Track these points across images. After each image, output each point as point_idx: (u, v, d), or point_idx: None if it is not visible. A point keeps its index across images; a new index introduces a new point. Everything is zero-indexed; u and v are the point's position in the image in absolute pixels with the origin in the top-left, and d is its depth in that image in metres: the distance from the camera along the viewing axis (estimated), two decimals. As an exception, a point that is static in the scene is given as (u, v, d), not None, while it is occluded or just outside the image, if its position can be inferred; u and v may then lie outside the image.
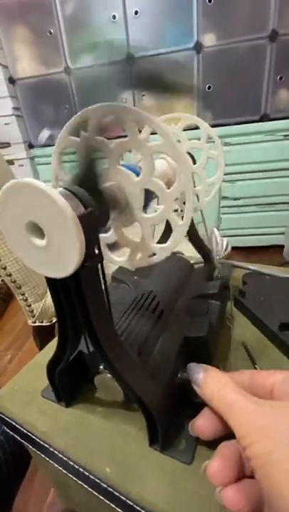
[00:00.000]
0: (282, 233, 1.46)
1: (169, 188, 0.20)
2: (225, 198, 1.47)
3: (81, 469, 0.23)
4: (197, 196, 0.36)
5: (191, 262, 0.44)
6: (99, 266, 0.18)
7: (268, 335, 0.34)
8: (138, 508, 0.21)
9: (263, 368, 0.29)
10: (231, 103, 1.33)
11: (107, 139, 0.20)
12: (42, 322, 0.73)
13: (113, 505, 0.22)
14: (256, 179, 1.40)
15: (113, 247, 0.27)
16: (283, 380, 0.19)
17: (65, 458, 0.24)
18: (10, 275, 0.66)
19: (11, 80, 1.43)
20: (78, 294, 0.17)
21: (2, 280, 0.68)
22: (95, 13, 1.26)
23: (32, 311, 0.71)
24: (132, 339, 0.26)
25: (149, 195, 0.22)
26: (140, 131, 0.19)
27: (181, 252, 0.49)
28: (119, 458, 0.23)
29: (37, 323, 0.73)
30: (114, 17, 1.25)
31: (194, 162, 0.36)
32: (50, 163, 0.24)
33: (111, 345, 0.20)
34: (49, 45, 1.34)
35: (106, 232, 0.25)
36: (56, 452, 0.25)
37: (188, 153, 0.35)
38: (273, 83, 1.27)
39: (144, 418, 0.23)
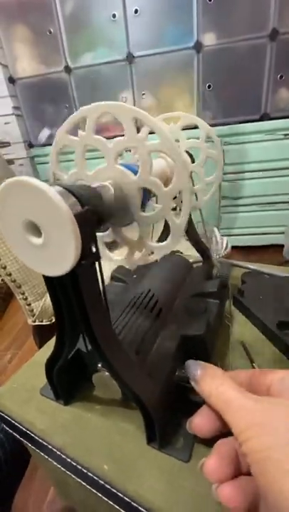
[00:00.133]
0: (282, 232, 1.46)
1: (167, 187, 0.20)
2: (225, 197, 1.47)
3: (79, 467, 0.23)
4: (196, 195, 0.36)
5: (190, 261, 0.44)
6: (96, 264, 0.18)
7: (266, 334, 0.34)
8: (135, 505, 0.21)
9: (261, 367, 0.29)
10: (231, 102, 1.33)
11: (107, 138, 0.20)
12: (42, 321, 0.73)
13: (111, 503, 0.22)
14: (256, 178, 1.40)
15: (112, 245, 0.27)
16: (281, 379, 0.19)
17: (63, 456, 0.24)
18: (10, 274, 0.66)
19: (11, 80, 1.43)
20: (75, 292, 0.18)
21: (2, 280, 0.68)
22: (94, 12, 1.26)
23: (32, 310, 0.72)
24: (130, 338, 0.26)
25: (147, 194, 0.22)
26: (139, 131, 0.19)
27: (180, 251, 0.49)
28: (117, 456, 0.23)
29: (37, 323, 0.73)
30: (114, 16, 1.24)
31: (193, 161, 0.36)
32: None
33: (109, 343, 0.20)
34: (49, 44, 1.34)
35: (104, 230, 0.25)
36: (54, 450, 0.25)
37: (187, 152, 0.35)
38: (273, 82, 1.27)
39: (142, 416, 0.23)
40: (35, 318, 0.72)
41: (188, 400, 0.24)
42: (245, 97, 1.31)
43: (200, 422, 0.21)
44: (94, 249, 0.17)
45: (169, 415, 0.24)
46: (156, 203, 0.21)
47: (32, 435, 0.27)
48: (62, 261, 0.15)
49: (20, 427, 0.27)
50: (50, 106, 1.48)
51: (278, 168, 1.36)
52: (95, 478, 0.23)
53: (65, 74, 1.38)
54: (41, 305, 0.72)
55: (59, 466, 0.25)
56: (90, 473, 0.23)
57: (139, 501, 0.21)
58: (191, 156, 0.36)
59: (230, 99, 1.33)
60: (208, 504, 0.19)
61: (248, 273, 0.44)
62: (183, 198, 0.20)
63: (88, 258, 0.17)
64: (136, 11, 1.22)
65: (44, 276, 0.18)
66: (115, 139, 0.20)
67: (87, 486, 0.24)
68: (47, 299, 0.72)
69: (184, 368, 0.25)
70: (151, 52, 1.28)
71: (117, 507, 0.22)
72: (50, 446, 0.25)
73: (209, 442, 0.21)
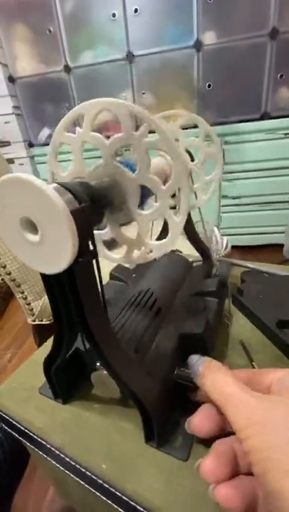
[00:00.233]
0: (283, 232, 1.45)
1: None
2: (225, 196, 1.47)
3: (78, 466, 0.23)
4: (195, 194, 0.36)
5: (190, 260, 0.43)
6: (94, 262, 0.18)
7: (265, 332, 0.34)
8: (134, 504, 0.21)
9: (260, 366, 0.29)
10: (231, 101, 1.32)
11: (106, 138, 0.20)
12: (41, 320, 0.73)
13: (110, 502, 0.22)
14: (256, 178, 1.40)
15: (111, 244, 0.27)
16: (280, 378, 0.19)
17: (61, 454, 0.24)
18: (9, 274, 0.66)
19: (11, 79, 1.43)
20: (73, 290, 0.17)
21: (2, 279, 0.68)
22: (94, 11, 1.25)
23: (31, 309, 0.71)
24: (128, 336, 0.26)
25: (146, 192, 0.22)
26: (138, 130, 0.19)
27: (180, 251, 0.49)
28: (115, 455, 0.23)
29: (36, 322, 0.73)
30: (114, 15, 1.24)
31: (192, 160, 0.36)
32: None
33: (107, 342, 0.20)
34: (49, 43, 1.34)
35: (102, 228, 0.24)
36: (53, 449, 0.25)
37: (187, 151, 0.35)
38: (274, 81, 1.27)
39: (140, 415, 0.23)
40: (35, 318, 0.72)
41: (187, 399, 0.24)
42: (246, 96, 1.31)
43: (199, 422, 0.21)
44: (91, 247, 0.17)
45: (167, 414, 0.24)
46: (156, 201, 0.21)
47: (30, 434, 0.27)
48: (59, 258, 0.15)
49: (19, 426, 0.27)
50: (50, 105, 1.48)
51: (278, 167, 1.36)
52: (94, 477, 0.23)
53: (65, 73, 1.38)
54: (41, 304, 0.72)
55: (58, 465, 0.25)
56: (88, 473, 0.23)
57: (137, 500, 0.21)
58: (190, 154, 0.36)
59: (230, 99, 1.32)
60: (207, 503, 0.19)
61: (247, 272, 0.44)
62: (181, 196, 0.20)
63: (85, 255, 0.16)
64: (136, 10, 1.22)
65: (41, 274, 0.18)
66: (113, 136, 0.19)
67: (86, 486, 0.23)
68: (46, 298, 0.72)
69: (182, 366, 0.25)
70: (151, 51, 1.28)
71: (116, 506, 0.22)
72: (48, 445, 0.25)
73: (208, 441, 0.21)
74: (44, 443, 0.25)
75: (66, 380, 0.27)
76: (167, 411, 0.24)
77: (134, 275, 0.38)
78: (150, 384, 0.23)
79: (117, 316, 0.29)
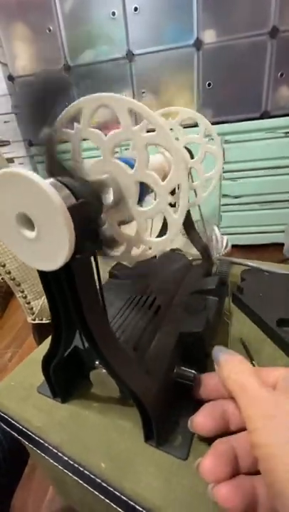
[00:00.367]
0: (283, 231, 1.45)
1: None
2: (225, 195, 1.46)
3: (76, 465, 0.23)
4: (195, 191, 0.36)
5: (190, 258, 0.43)
6: (92, 259, 0.18)
7: (266, 331, 0.33)
8: (132, 503, 0.20)
9: (260, 364, 0.29)
10: (231, 100, 1.32)
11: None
12: (41, 320, 0.73)
13: (108, 501, 0.22)
14: (257, 177, 1.40)
15: (111, 244, 0.27)
16: (285, 377, 0.18)
17: (60, 453, 0.24)
18: (9, 273, 0.66)
19: (11, 78, 1.43)
20: (71, 288, 0.17)
21: (2, 278, 0.68)
22: (94, 10, 1.25)
23: (31, 308, 0.71)
24: (128, 334, 0.26)
25: (144, 189, 0.22)
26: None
27: (180, 249, 0.49)
28: (114, 453, 0.23)
29: (36, 321, 0.73)
30: (113, 14, 1.24)
31: (192, 157, 0.35)
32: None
33: (105, 340, 0.20)
34: (48, 42, 1.33)
35: (101, 226, 0.24)
36: (51, 448, 0.25)
37: (186, 148, 0.35)
38: (274, 80, 1.26)
39: (139, 414, 0.22)
40: (35, 317, 0.72)
41: (187, 398, 0.24)
42: (246, 95, 1.30)
43: (202, 421, 0.21)
44: (89, 244, 0.17)
45: (167, 413, 0.24)
46: (155, 199, 0.21)
47: (29, 433, 0.26)
48: (56, 255, 0.15)
49: (18, 425, 0.27)
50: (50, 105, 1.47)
51: (279, 166, 1.36)
52: (92, 476, 0.22)
53: (65, 72, 1.38)
54: (41, 303, 0.72)
55: (56, 464, 0.25)
56: (86, 471, 0.23)
57: (136, 499, 0.20)
58: (190, 152, 0.35)
59: (230, 97, 1.32)
60: (207, 502, 0.19)
61: (247, 270, 0.44)
62: (180, 192, 0.20)
63: (83, 252, 0.16)
64: (135, 9, 1.22)
65: (39, 271, 0.17)
66: (111, 132, 0.19)
67: (84, 485, 0.23)
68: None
69: (182, 365, 0.25)
70: (151, 50, 1.28)
71: (115, 505, 0.22)
72: (46, 444, 0.25)
73: (208, 440, 0.21)
74: (42, 442, 0.25)
75: (65, 379, 0.27)
76: (167, 410, 0.24)
77: (133, 273, 0.38)
78: (149, 383, 0.22)
79: (116, 314, 0.29)
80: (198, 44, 1.24)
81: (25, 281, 0.68)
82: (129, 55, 1.30)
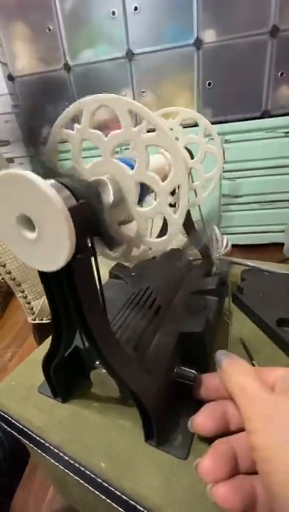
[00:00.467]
0: (283, 231, 1.45)
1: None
2: (225, 195, 1.46)
3: (77, 464, 0.23)
4: (195, 192, 0.36)
5: (190, 258, 0.43)
6: (92, 260, 0.18)
7: (266, 331, 0.33)
8: (133, 503, 0.21)
9: (260, 364, 0.29)
10: (232, 100, 1.32)
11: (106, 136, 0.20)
12: (42, 319, 0.73)
13: (108, 501, 0.22)
14: (257, 176, 1.40)
15: (112, 244, 0.27)
16: (284, 377, 0.19)
17: (60, 453, 0.24)
18: (9, 273, 0.66)
19: (10, 78, 1.43)
20: (71, 288, 0.17)
21: (2, 278, 0.68)
22: (94, 10, 1.25)
23: (32, 308, 0.71)
24: (128, 334, 0.26)
25: (144, 190, 0.22)
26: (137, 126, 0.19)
27: (180, 249, 0.49)
28: (114, 453, 0.23)
29: (37, 321, 0.73)
30: (113, 13, 1.24)
31: (192, 157, 0.35)
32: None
33: (105, 340, 0.20)
34: (48, 42, 1.33)
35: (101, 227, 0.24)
36: (52, 447, 0.25)
37: (186, 148, 0.35)
38: (274, 79, 1.26)
39: (140, 413, 0.22)
40: (35, 317, 0.72)
41: (187, 397, 0.24)
42: (246, 95, 1.30)
43: (203, 421, 0.21)
44: (90, 244, 0.17)
45: (167, 412, 0.24)
46: (155, 199, 0.21)
47: (29, 433, 0.26)
48: (57, 256, 0.15)
49: (18, 425, 0.27)
50: (50, 104, 1.48)
51: (279, 166, 1.36)
52: (92, 476, 0.22)
53: (65, 72, 1.38)
54: (41, 303, 0.72)
55: (57, 464, 0.25)
56: (87, 471, 0.23)
57: (136, 499, 0.21)
58: (190, 152, 0.35)
59: (230, 97, 1.32)
60: (207, 502, 0.19)
61: (247, 270, 0.44)
62: (180, 192, 0.20)
63: (84, 253, 0.16)
64: (135, 8, 1.22)
65: (39, 271, 0.18)
66: (111, 133, 0.19)
67: (85, 484, 0.23)
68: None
69: (182, 365, 0.25)
70: (151, 49, 1.28)
71: (115, 505, 0.22)
72: (47, 444, 0.25)
73: (208, 440, 0.21)
74: (43, 441, 0.25)
75: (65, 379, 0.27)
76: (167, 409, 0.24)
77: (133, 273, 0.38)
78: (149, 382, 0.23)
79: (116, 314, 0.29)
80: (198, 43, 1.24)
81: (25, 281, 0.68)
82: (129, 55, 1.30)
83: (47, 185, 0.14)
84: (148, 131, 0.19)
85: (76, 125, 0.20)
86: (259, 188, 1.42)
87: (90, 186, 0.18)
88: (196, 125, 0.34)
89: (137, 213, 0.21)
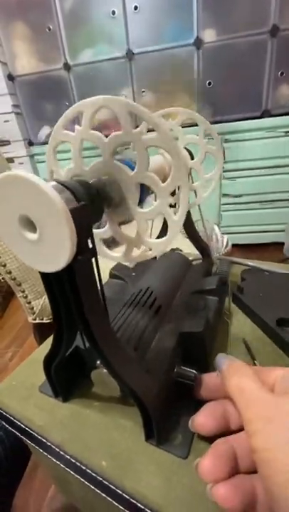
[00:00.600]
0: (283, 230, 1.45)
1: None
2: (225, 195, 1.46)
3: (78, 463, 0.23)
4: (195, 192, 0.36)
5: (190, 258, 0.43)
6: (93, 260, 0.18)
7: (266, 331, 0.34)
8: (134, 501, 0.21)
9: (261, 364, 0.29)
10: (232, 99, 1.32)
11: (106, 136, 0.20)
12: (42, 319, 0.73)
13: (109, 499, 0.22)
14: (257, 176, 1.40)
15: (111, 243, 0.27)
16: (283, 376, 0.19)
17: (61, 452, 0.24)
18: (10, 272, 0.66)
19: (10, 77, 1.43)
20: (72, 289, 0.17)
21: (3, 278, 0.68)
22: (94, 9, 1.25)
23: (32, 308, 0.72)
24: (128, 334, 0.26)
25: (145, 190, 0.22)
26: (137, 127, 0.19)
27: (180, 249, 0.49)
28: (115, 452, 0.23)
29: (37, 321, 0.73)
30: (113, 13, 1.24)
31: (192, 158, 0.35)
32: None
33: (106, 340, 0.20)
34: (48, 41, 1.33)
35: (102, 227, 0.24)
36: (53, 446, 0.25)
37: (186, 149, 0.35)
38: (274, 79, 1.26)
39: (140, 413, 0.23)
40: (36, 316, 0.72)
41: (188, 397, 0.24)
42: (246, 94, 1.30)
43: (203, 420, 0.21)
44: (90, 245, 0.17)
45: (167, 412, 0.24)
46: (156, 200, 0.21)
47: (31, 432, 0.27)
48: (58, 257, 0.15)
49: (19, 424, 0.27)
50: (50, 103, 1.48)
51: (279, 165, 1.36)
52: (93, 474, 0.23)
53: (65, 71, 1.38)
54: (41, 303, 0.72)
55: (58, 463, 0.25)
56: (88, 470, 0.23)
57: (137, 498, 0.21)
58: (190, 152, 0.35)
59: (230, 96, 1.32)
60: (207, 501, 0.19)
61: (247, 270, 0.44)
62: (181, 193, 0.20)
63: (85, 253, 0.16)
64: (135, 8, 1.22)
65: (40, 272, 0.18)
66: (111, 134, 0.19)
67: (86, 482, 0.24)
68: (47, 297, 0.72)
69: (182, 364, 0.25)
70: (150, 49, 1.28)
71: (116, 503, 0.22)
72: (48, 443, 0.25)
73: (208, 439, 0.21)
74: (44, 440, 0.26)
75: (66, 378, 0.27)
76: (167, 409, 0.24)
77: (133, 274, 0.38)
78: (150, 382, 0.23)
79: (116, 314, 0.29)
80: (198, 43, 1.24)
81: (25, 281, 0.68)
82: (129, 54, 1.30)
83: (48, 186, 0.14)
84: (148, 131, 0.19)
85: (76, 126, 0.20)
86: (259, 187, 1.42)
87: (90, 187, 0.18)
88: (195, 124, 0.35)
89: (138, 214, 0.21)
